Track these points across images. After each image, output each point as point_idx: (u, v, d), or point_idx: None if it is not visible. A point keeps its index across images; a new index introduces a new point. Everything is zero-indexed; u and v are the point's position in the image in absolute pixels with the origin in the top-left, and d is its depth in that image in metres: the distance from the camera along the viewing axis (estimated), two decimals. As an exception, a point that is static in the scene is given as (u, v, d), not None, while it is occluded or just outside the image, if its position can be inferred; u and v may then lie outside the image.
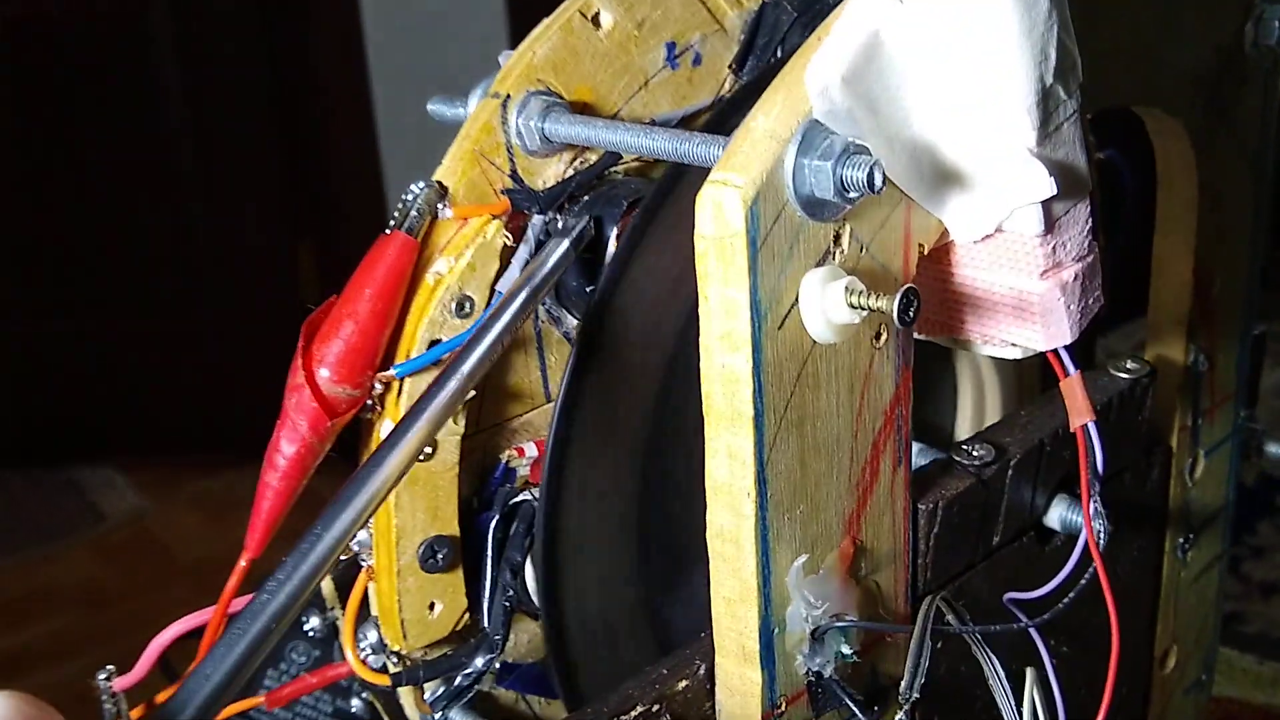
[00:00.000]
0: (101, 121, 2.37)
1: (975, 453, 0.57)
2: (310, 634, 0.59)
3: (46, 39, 2.32)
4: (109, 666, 0.56)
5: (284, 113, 2.36)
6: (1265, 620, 1.94)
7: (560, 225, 0.55)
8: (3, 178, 2.41)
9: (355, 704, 0.70)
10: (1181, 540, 0.72)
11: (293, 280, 2.45)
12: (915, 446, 0.66)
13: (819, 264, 0.46)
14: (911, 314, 0.44)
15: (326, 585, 0.58)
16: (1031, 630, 0.54)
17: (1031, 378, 0.74)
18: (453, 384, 0.49)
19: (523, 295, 0.52)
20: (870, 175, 0.43)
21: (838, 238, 0.46)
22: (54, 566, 2.31)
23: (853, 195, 0.44)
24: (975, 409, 0.71)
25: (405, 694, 0.57)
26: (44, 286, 2.48)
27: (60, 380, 2.53)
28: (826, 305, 0.45)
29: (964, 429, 0.72)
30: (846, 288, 0.45)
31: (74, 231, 2.43)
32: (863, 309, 0.45)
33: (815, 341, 0.47)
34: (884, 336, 0.49)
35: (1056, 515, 0.61)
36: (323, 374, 0.50)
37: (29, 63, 2.34)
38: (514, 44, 0.56)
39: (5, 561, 2.32)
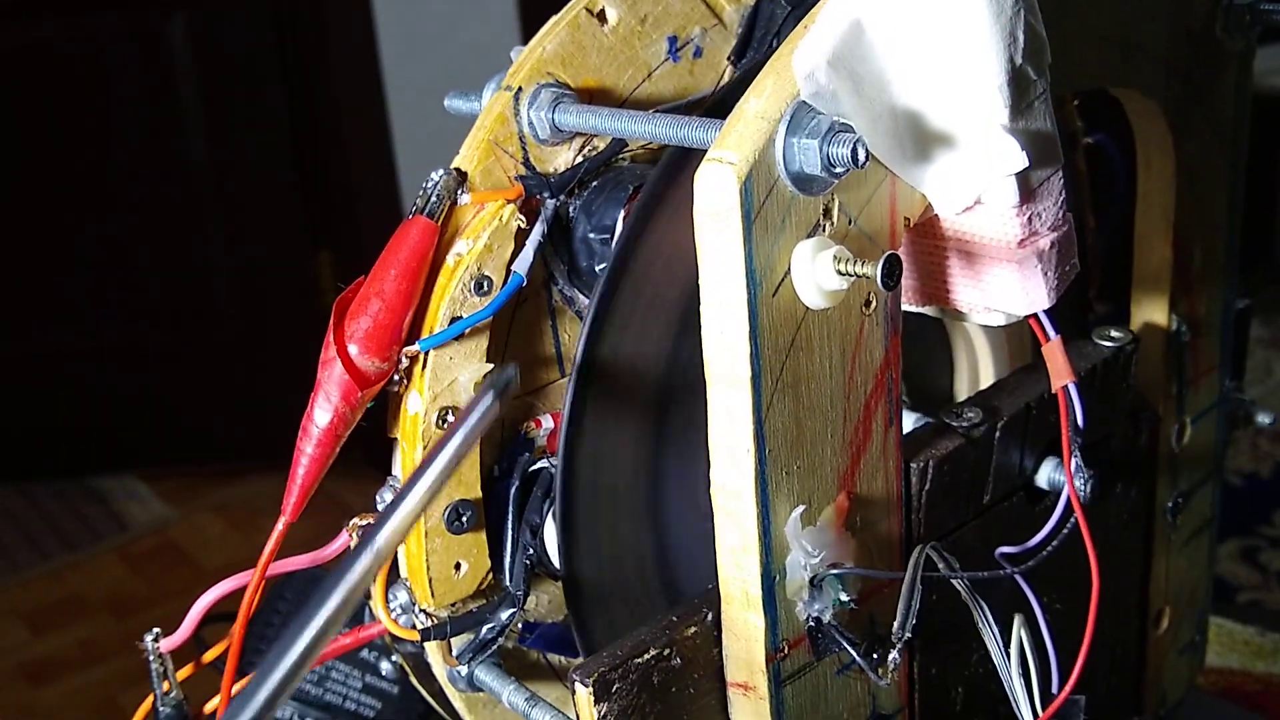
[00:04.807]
0: (121, 137, 2.42)
1: (965, 415, 0.60)
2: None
3: (68, 57, 2.36)
4: (155, 629, 0.60)
5: (301, 124, 2.40)
6: (1281, 606, 1.96)
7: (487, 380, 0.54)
8: (25, 195, 2.45)
9: (385, 667, 0.74)
10: (1170, 504, 0.75)
11: (312, 289, 2.49)
12: (911, 415, 0.70)
13: (809, 235, 0.50)
14: (894, 278, 0.48)
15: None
16: (1018, 578, 0.58)
17: (1024, 350, 0.77)
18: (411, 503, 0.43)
19: (450, 451, 0.43)
20: (854, 151, 0.47)
21: (827, 211, 0.50)
22: (80, 575, 2.35)
23: (839, 170, 0.48)
24: (970, 378, 0.74)
25: (433, 650, 0.60)
26: (67, 300, 2.53)
27: (84, 392, 2.58)
28: (817, 273, 0.49)
29: (960, 396, 0.75)
30: (835, 256, 0.48)
31: (96, 246, 2.48)
32: (850, 275, 0.48)
33: (808, 308, 0.50)
34: (873, 304, 0.53)
35: (1045, 476, 0.64)
36: (353, 349, 0.54)
37: (51, 83, 2.38)
38: (524, 48, 0.60)
39: (33, 570, 2.37)
